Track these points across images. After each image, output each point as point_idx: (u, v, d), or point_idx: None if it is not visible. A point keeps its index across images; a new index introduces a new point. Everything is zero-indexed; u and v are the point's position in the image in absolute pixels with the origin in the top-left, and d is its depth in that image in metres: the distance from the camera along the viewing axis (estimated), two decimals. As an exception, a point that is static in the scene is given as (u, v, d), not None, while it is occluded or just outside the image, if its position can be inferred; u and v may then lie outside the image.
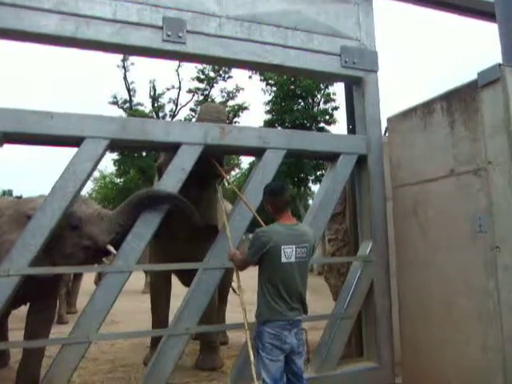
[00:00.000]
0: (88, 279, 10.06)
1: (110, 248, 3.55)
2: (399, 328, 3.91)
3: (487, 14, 4.44)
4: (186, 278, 4.83)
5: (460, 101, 3.34)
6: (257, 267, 2.78)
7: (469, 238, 3.24)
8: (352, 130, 4.28)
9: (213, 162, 3.86)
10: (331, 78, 4.64)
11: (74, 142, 3.13)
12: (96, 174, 30.95)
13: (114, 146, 3.34)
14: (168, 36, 3.38)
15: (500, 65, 3.06)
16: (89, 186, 32.50)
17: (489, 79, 3.11)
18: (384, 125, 4.21)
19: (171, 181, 3.36)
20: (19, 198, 5.96)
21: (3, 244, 3.40)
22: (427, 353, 3.56)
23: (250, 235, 3.27)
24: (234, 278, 3.49)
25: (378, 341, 3.88)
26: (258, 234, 2.69)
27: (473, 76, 3.23)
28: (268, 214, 2.91)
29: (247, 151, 4.00)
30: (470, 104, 3.25)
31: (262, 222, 3.35)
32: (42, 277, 3.22)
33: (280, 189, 2.82)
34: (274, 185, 2.95)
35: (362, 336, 4.09)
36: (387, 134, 4.22)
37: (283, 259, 2.63)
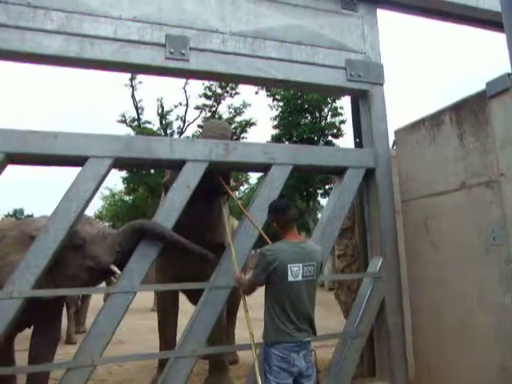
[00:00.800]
0: (97, 297, 10.02)
1: (114, 268, 3.50)
2: (412, 347, 3.79)
3: (494, 24, 4.39)
4: (194, 296, 4.76)
5: (469, 112, 3.27)
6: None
7: (482, 252, 3.14)
8: (359, 143, 4.22)
9: (219, 180, 3.82)
10: (337, 91, 4.60)
11: (78, 161, 3.11)
12: (106, 191, 31.28)
13: (118, 164, 3.32)
14: (171, 53, 3.38)
15: (509, 74, 3.00)
16: (98, 204, 32.81)
17: (498, 89, 3.05)
18: (392, 137, 4.15)
19: (176, 198, 3.32)
20: (27, 216, 5.98)
21: (7, 266, 3.36)
22: (442, 373, 3.44)
23: (258, 251, 3.21)
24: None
25: (391, 360, 3.75)
26: (264, 252, 2.62)
27: (481, 86, 3.17)
28: (275, 230, 2.84)
29: (253, 167, 3.96)
30: (480, 115, 3.18)
31: (268, 239, 3.28)
32: (44, 299, 3.17)
33: (284, 206, 2.76)
34: (278, 202, 2.89)
35: (374, 354, 3.97)
36: (395, 147, 4.15)
37: (290, 278, 2.56)
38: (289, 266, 2.56)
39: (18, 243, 3.55)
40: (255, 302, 3.06)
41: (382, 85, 4.12)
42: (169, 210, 3.30)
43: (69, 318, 7.81)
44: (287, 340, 2.54)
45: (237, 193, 4.48)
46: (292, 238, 2.70)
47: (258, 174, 20.48)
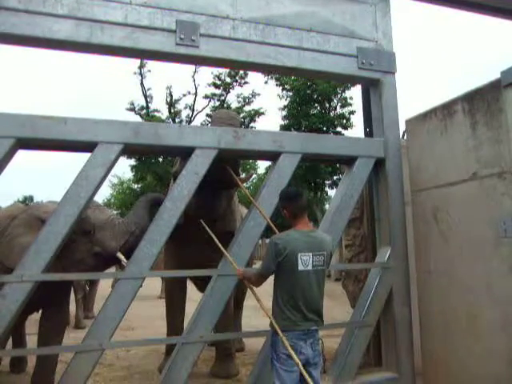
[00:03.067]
0: (105, 283, 10.13)
1: (120, 256, 3.55)
2: (419, 338, 3.78)
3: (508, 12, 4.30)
4: (202, 284, 4.79)
5: (482, 101, 3.22)
6: None
7: (493, 244, 3.10)
8: (369, 132, 4.17)
9: (228, 171, 3.81)
10: (347, 79, 4.57)
11: (88, 147, 3.11)
12: (114, 179, 31.46)
13: (127, 150, 3.32)
14: (181, 39, 3.35)
15: (525, 63, 2.94)
16: (107, 192, 33.06)
17: (513, 78, 2.99)
18: (402, 127, 4.11)
19: (185, 185, 3.31)
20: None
21: (16, 247, 3.43)
22: (449, 365, 3.43)
23: (267, 240, 3.20)
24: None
25: (398, 350, 3.75)
26: (274, 241, 2.60)
27: (495, 75, 3.11)
28: (284, 219, 2.83)
29: (262, 155, 3.93)
30: (493, 104, 3.13)
31: (275, 229, 3.27)
32: (52, 283, 3.21)
33: (296, 194, 2.74)
34: (289, 190, 2.88)
35: (380, 345, 3.98)
36: (405, 137, 4.11)
37: (300, 267, 2.54)
38: (299, 254, 2.54)
39: (26, 225, 3.62)
40: (264, 290, 3.06)
41: (393, 73, 4.06)
42: (177, 197, 3.29)
43: (77, 303, 7.92)
44: (295, 328, 2.54)
45: (244, 185, 4.47)
46: (303, 227, 2.68)
47: (266, 164, 20.45)
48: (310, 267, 2.57)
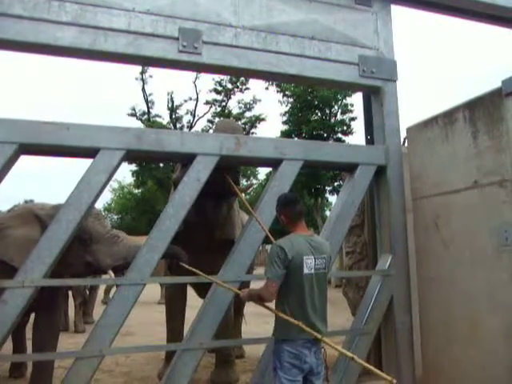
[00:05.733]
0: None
1: (111, 273, 3.61)
2: (420, 345, 3.77)
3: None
4: (202, 290, 4.78)
5: (483, 110, 3.23)
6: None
7: (494, 252, 3.11)
8: (370, 140, 4.19)
9: (228, 181, 3.83)
10: (349, 87, 4.59)
11: (90, 153, 3.12)
12: (115, 184, 31.50)
13: (129, 156, 3.34)
14: (184, 47, 3.37)
15: (525, 72, 2.96)
16: (108, 197, 33.06)
17: (514, 87, 3.00)
18: (403, 135, 4.12)
19: (187, 192, 3.32)
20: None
21: (6, 238, 3.51)
22: (449, 373, 3.42)
23: (267, 246, 3.18)
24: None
25: (398, 358, 3.73)
26: (280, 245, 2.53)
27: (496, 84, 3.13)
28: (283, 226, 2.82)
29: (263, 162, 3.94)
30: (494, 113, 3.14)
31: (272, 239, 3.27)
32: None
33: (294, 199, 2.74)
34: (287, 195, 2.87)
35: (381, 352, 3.96)
36: (406, 144, 4.12)
37: (305, 270, 2.51)
38: (304, 258, 2.52)
39: (20, 218, 3.71)
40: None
41: (394, 81, 4.08)
42: (179, 204, 3.30)
43: (76, 308, 7.91)
44: (300, 336, 2.49)
45: (244, 196, 4.45)
46: (302, 231, 2.67)
47: (266, 170, 20.46)
48: (313, 270, 2.54)
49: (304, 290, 2.52)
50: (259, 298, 2.62)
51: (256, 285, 3.10)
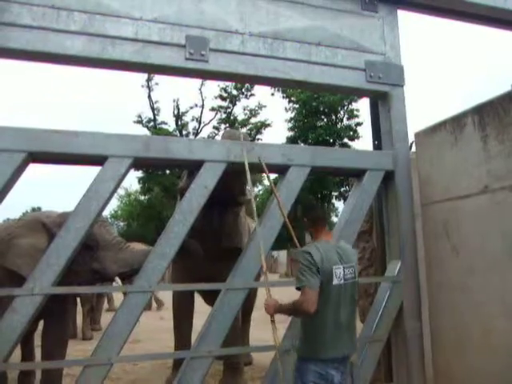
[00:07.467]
0: (114, 296, 10.11)
1: (118, 280, 3.60)
2: (431, 353, 3.72)
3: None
4: (210, 297, 4.77)
5: (493, 114, 3.21)
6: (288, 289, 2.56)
7: (506, 258, 3.06)
8: (378, 145, 4.17)
9: (235, 190, 3.85)
10: (356, 93, 4.58)
11: (98, 160, 3.13)
12: (121, 191, 31.66)
13: (137, 164, 3.34)
14: (191, 54, 3.38)
15: (535, 76, 2.93)
16: (114, 204, 33.22)
17: (524, 91, 2.98)
18: (411, 140, 4.09)
19: (194, 198, 3.32)
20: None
21: (13, 247, 3.52)
22: (462, 381, 3.36)
23: (273, 252, 3.12)
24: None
25: (409, 365, 3.68)
26: (309, 252, 2.34)
27: (506, 88, 3.10)
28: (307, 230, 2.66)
29: (270, 169, 3.92)
30: (504, 117, 3.11)
31: (294, 237, 3.19)
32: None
33: (316, 204, 2.71)
34: (310, 199, 2.88)
35: (391, 360, 3.91)
36: (415, 150, 4.09)
37: (334, 281, 2.33)
38: (334, 267, 2.36)
39: (27, 227, 3.74)
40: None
41: (402, 86, 4.06)
42: (187, 210, 3.30)
43: (83, 315, 7.92)
44: (327, 356, 2.33)
45: (252, 194, 4.40)
46: (327, 237, 2.55)
47: (273, 176, 20.45)
48: (342, 281, 2.38)
49: (332, 302, 2.35)
50: (298, 311, 2.37)
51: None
